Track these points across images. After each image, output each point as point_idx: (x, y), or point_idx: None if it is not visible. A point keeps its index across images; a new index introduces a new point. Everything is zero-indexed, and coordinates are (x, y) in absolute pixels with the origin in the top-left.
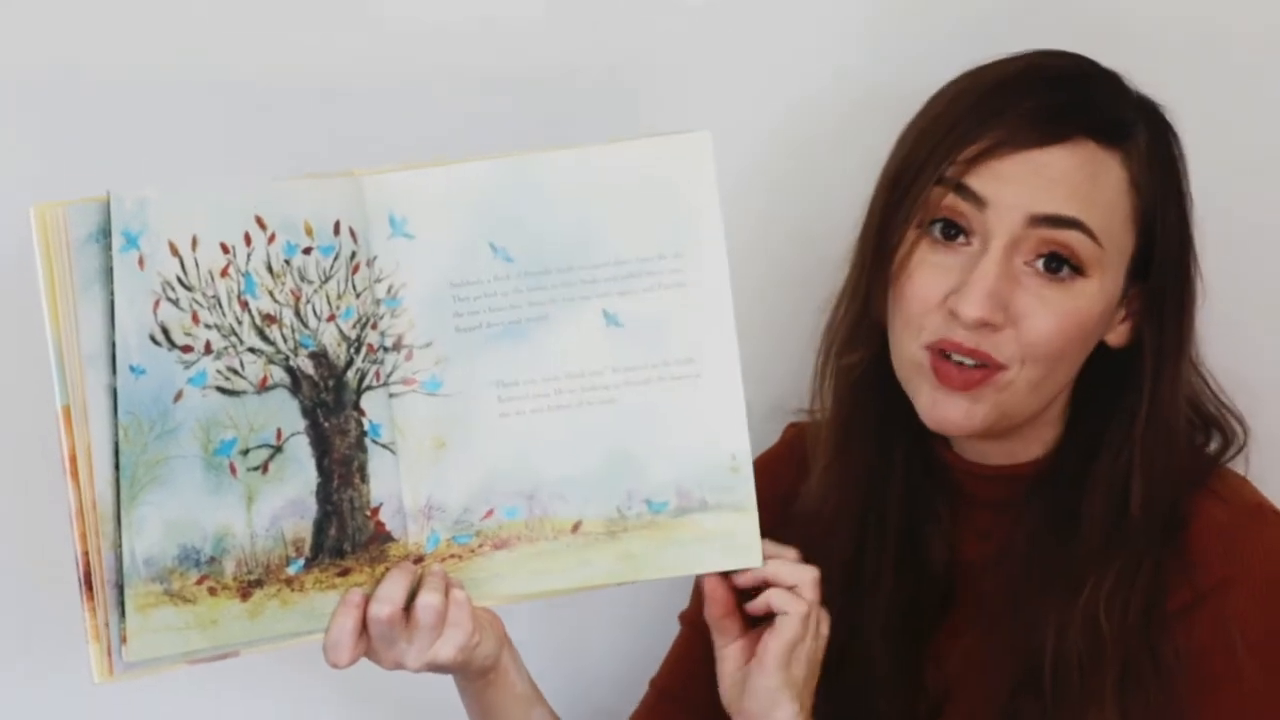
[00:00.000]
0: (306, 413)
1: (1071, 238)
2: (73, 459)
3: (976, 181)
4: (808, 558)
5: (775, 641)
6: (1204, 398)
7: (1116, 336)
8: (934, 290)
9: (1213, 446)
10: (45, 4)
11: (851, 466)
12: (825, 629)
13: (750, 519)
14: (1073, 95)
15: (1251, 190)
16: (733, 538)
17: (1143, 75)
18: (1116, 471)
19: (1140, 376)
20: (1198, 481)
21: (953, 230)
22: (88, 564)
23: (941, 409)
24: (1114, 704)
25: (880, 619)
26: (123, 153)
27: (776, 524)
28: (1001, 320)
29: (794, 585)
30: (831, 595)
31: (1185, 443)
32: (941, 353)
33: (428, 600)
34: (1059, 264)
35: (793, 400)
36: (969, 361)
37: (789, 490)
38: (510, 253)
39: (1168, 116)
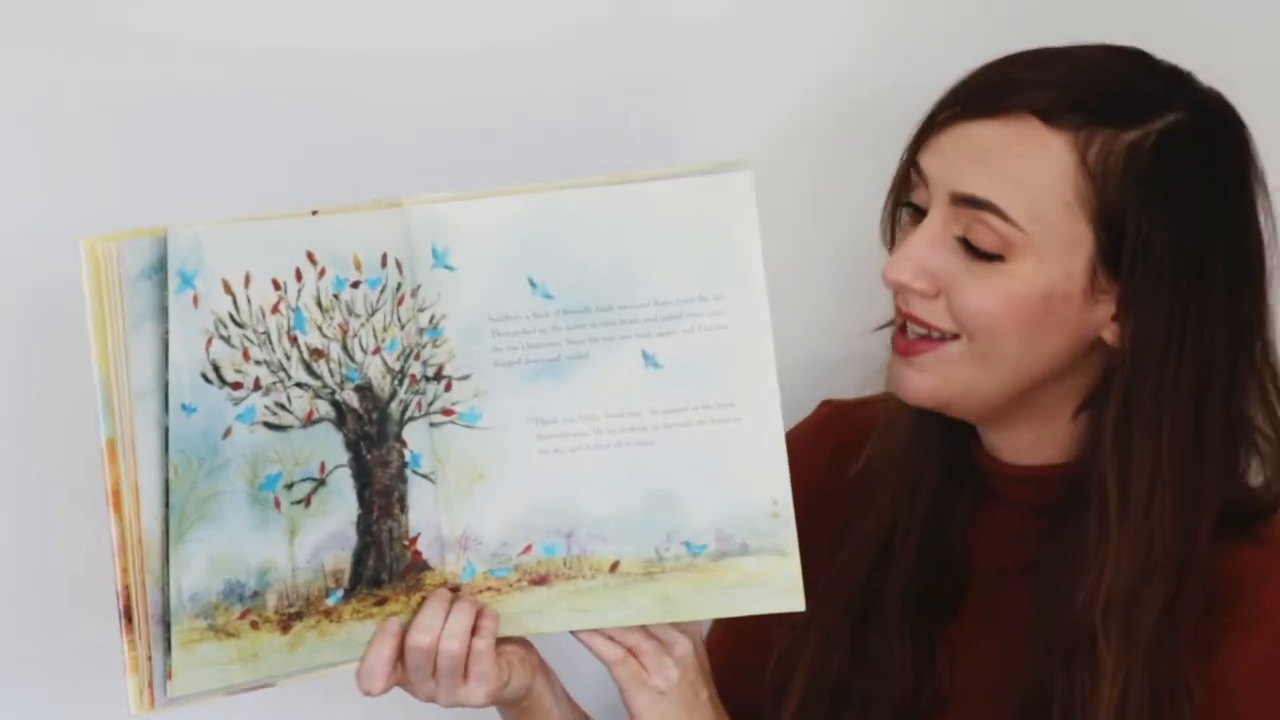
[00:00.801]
0: (350, 446)
1: (984, 218)
2: (115, 493)
3: (924, 158)
4: (855, 516)
5: (622, 691)
6: (1264, 421)
7: (1110, 335)
8: None
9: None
10: (82, 30)
11: (899, 440)
12: (680, 650)
13: (792, 563)
14: (1037, 74)
15: None
16: (774, 582)
17: None
18: (1127, 482)
19: (1121, 380)
20: (1241, 520)
21: (918, 209)
22: (129, 597)
23: (898, 379)
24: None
25: (899, 595)
26: (160, 176)
27: (803, 507)
28: (926, 287)
29: (610, 634)
30: (863, 558)
31: (1223, 468)
32: (903, 325)
33: (446, 647)
34: (975, 246)
35: (806, 391)
36: (919, 331)
37: (820, 476)
38: (550, 289)
39: (1224, 122)
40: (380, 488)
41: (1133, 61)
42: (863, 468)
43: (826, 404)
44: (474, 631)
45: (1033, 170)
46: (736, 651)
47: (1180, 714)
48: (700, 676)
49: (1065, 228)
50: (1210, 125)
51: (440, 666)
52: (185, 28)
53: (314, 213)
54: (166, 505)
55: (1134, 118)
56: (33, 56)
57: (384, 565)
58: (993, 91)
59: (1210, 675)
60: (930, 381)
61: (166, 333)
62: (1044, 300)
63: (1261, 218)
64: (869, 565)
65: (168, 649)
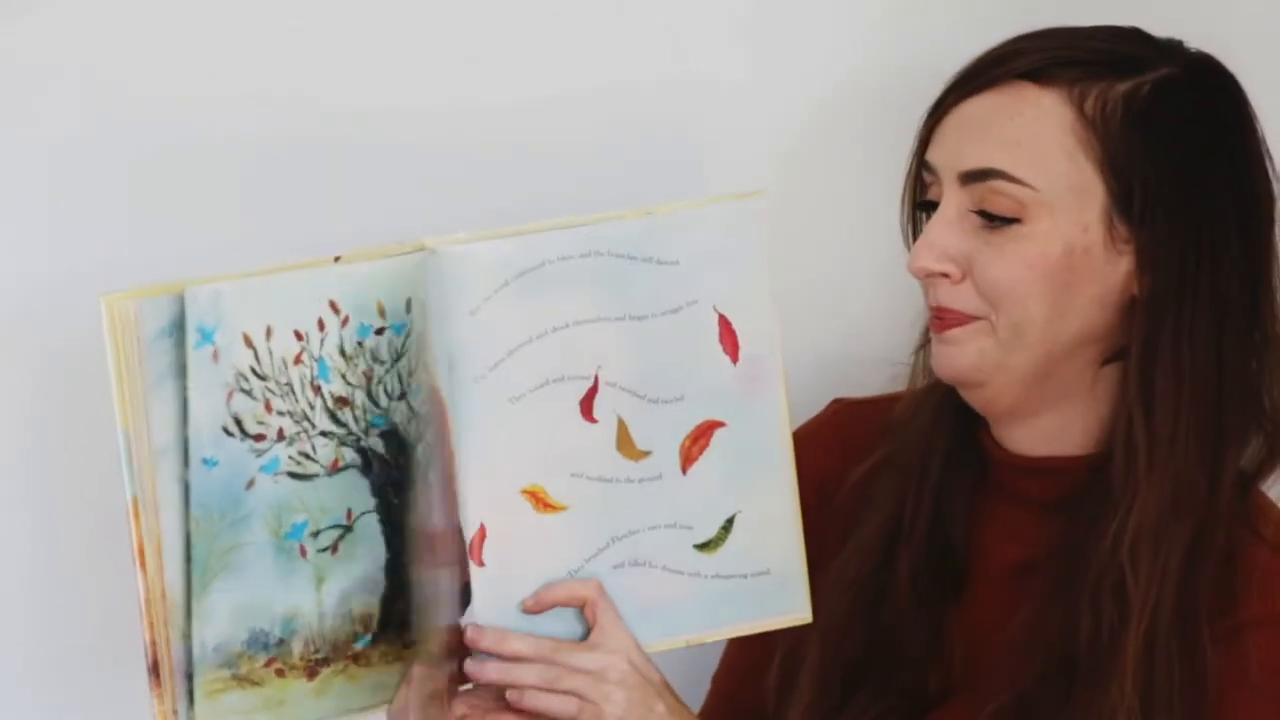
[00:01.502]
0: (377, 491)
1: (995, 186)
2: (140, 550)
3: (930, 152)
4: (864, 512)
5: None
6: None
7: (1137, 288)
8: None
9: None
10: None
11: (911, 436)
12: (616, 674)
13: None
14: (1025, 44)
15: None
16: None
17: None
18: (1152, 424)
19: (1141, 325)
20: (1239, 513)
21: (936, 206)
22: (155, 652)
23: (936, 359)
24: (1135, 677)
25: (909, 571)
26: (176, 225)
27: (812, 506)
28: (952, 270)
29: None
30: (870, 555)
31: (1243, 408)
32: (935, 319)
33: None
34: (992, 214)
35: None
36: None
37: (828, 472)
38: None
39: (1217, 75)
40: (409, 531)
41: (1124, 31)
42: (872, 465)
43: (837, 402)
44: None
45: (1030, 127)
46: (743, 656)
47: (1203, 652)
48: (650, 689)
49: (1073, 178)
50: (1203, 76)
51: None
52: (200, 78)
53: (336, 259)
54: (188, 559)
55: (1126, 70)
56: (51, 100)
57: (413, 608)
58: (983, 69)
59: (1227, 669)
60: (966, 355)
61: (186, 389)
62: (1065, 257)
63: (1267, 160)
64: (874, 564)
65: (191, 702)
